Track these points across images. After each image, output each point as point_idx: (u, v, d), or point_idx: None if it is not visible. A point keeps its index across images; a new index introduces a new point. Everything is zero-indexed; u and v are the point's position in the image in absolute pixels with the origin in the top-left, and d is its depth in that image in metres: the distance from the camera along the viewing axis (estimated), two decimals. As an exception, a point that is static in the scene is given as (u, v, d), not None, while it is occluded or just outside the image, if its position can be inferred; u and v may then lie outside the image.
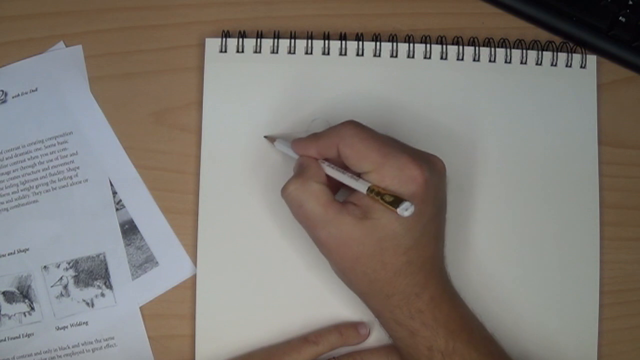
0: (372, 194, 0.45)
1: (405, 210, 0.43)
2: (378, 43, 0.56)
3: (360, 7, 0.58)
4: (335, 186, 0.48)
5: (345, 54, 0.56)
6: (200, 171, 0.54)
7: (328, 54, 0.56)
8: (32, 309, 0.54)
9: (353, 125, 0.47)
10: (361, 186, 0.46)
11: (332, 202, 0.46)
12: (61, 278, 0.54)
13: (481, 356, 0.46)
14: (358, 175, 0.47)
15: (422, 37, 0.56)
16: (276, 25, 0.56)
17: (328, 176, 0.48)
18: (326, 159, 0.49)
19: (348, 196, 0.48)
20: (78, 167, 0.55)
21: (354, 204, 0.46)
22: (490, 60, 0.56)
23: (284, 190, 0.47)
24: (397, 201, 0.44)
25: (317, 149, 0.48)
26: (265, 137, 0.54)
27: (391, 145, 0.47)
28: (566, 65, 0.56)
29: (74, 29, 0.57)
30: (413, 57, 0.56)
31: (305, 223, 0.47)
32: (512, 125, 0.56)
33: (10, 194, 0.55)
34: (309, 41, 0.56)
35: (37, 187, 0.55)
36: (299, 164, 0.49)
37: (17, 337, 0.54)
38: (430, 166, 0.47)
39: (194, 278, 0.54)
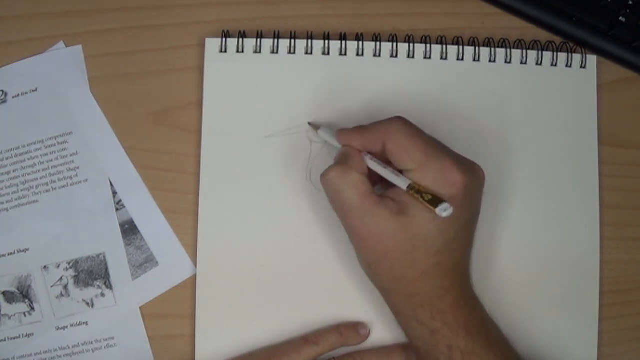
0: (412, 192, 0.45)
1: (444, 210, 0.44)
2: (378, 43, 0.56)
3: (360, 7, 0.58)
4: (373, 182, 0.48)
5: (346, 54, 0.56)
6: (200, 171, 0.54)
7: (328, 54, 0.56)
8: (32, 309, 0.54)
9: (402, 121, 0.48)
10: (402, 182, 0.46)
11: (371, 193, 0.46)
12: (61, 278, 0.54)
13: (498, 358, 0.47)
14: (400, 172, 0.47)
15: (422, 37, 0.56)
16: (276, 25, 0.56)
17: (368, 170, 0.48)
18: (369, 153, 0.49)
19: (386, 191, 0.48)
20: (78, 167, 0.55)
21: (392, 199, 0.47)
22: (490, 60, 0.56)
23: (324, 175, 0.47)
24: (436, 201, 0.44)
25: (362, 141, 0.48)
26: (309, 123, 0.54)
27: (436, 146, 0.47)
28: (566, 65, 0.56)
29: (74, 29, 0.57)
30: (413, 57, 0.56)
31: (341, 210, 0.47)
32: (512, 125, 0.56)
33: (10, 194, 0.55)
34: (309, 41, 0.56)
35: (37, 187, 0.55)
36: (342, 153, 0.49)
37: (17, 337, 0.54)
38: (472, 173, 0.47)
39: (194, 278, 0.54)
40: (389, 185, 0.47)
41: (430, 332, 0.47)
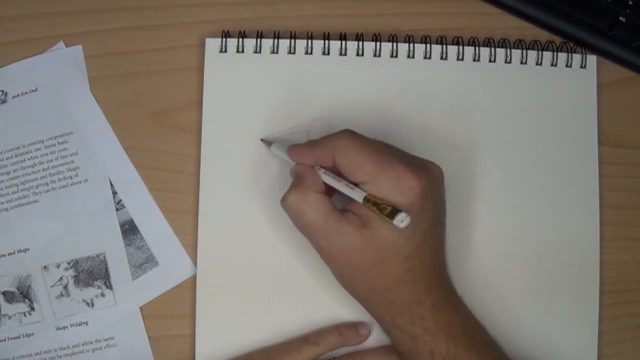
0: (369, 204, 0.45)
1: (401, 221, 0.43)
2: (378, 43, 0.56)
3: (360, 7, 0.58)
4: (332, 190, 0.48)
5: (345, 54, 0.56)
6: (200, 171, 0.54)
7: (328, 54, 0.56)
8: (32, 309, 0.54)
9: (348, 135, 0.47)
10: (357, 195, 0.46)
11: (332, 211, 0.46)
12: (61, 278, 0.54)
13: None
14: (355, 185, 0.47)
15: (422, 37, 0.56)
16: (276, 25, 0.56)
17: (325, 184, 0.48)
18: (323, 167, 0.48)
19: (347, 204, 0.48)
20: (78, 167, 0.55)
21: (353, 212, 0.46)
22: (490, 60, 0.56)
23: (283, 200, 0.47)
24: (393, 212, 0.44)
25: (313, 158, 0.48)
26: (261, 140, 0.54)
27: (387, 154, 0.46)
28: (566, 65, 0.56)
29: (74, 29, 0.57)
30: (413, 57, 0.56)
31: (307, 232, 0.47)
32: (512, 125, 0.56)
33: (10, 194, 0.55)
34: (309, 41, 0.56)
35: (37, 187, 0.55)
36: (296, 173, 0.49)
37: (17, 337, 0.54)
38: (427, 174, 0.47)
39: (194, 278, 0.54)
40: (349, 196, 0.47)
41: (411, 339, 0.47)
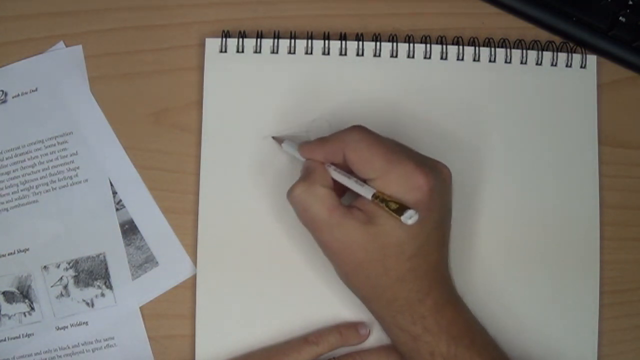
0: (377, 201, 0.45)
1: (409, 218, 0.43)
2: (378, 43, 0.56)
3: (360, 7, 0.58)
4: (341, 190, 0.48)
5: (345, 54, 0.56)
6: (200, 171, 0.54)
7: (328, 54, 0.56)
8: (32, 309, 0.54)
9: (359, 130, 0.47)
10: (366, 192, 0.46)
11: (338, 206, 0.46)
12: (61, 278, 0.54)
13: None
14: (364, 181, 0.47)
15: (422, 37, 0.56)
16: (276, 25, 0.56)
17: (334, 180, 0.48)
18: (333, 164, 0.48)
19: (353, 200, 0.48)
20: (78, 167, 0.55)
21: (359, 209, 0.46)
22: (490, 60, 0.56)
23: (290, 193, 0.47)
24: (401, 209, 0.44)
25: (323, 154, 0.48)
26: (273, 137, 0.54)
27: (397, 151, 0.47)
28: (566, 65, 0.56)
29: (74, 29, 0.57)
30: (413, 57, 0.56)
31: (311, 226, 0.47)
32: (512, 125, 0.56)
33: (10, 194, 0.55)
34: (309, 41, 0.56)
35: (37, 187, 0.55)
36: (305, 167, 0.49)
37: (17, 337, 0.54)
38: (436, 173, 0.47)
39: (194, 278, 0.54)
40: (357, 194, 0.47)
41: (412, 339, 0.47)
